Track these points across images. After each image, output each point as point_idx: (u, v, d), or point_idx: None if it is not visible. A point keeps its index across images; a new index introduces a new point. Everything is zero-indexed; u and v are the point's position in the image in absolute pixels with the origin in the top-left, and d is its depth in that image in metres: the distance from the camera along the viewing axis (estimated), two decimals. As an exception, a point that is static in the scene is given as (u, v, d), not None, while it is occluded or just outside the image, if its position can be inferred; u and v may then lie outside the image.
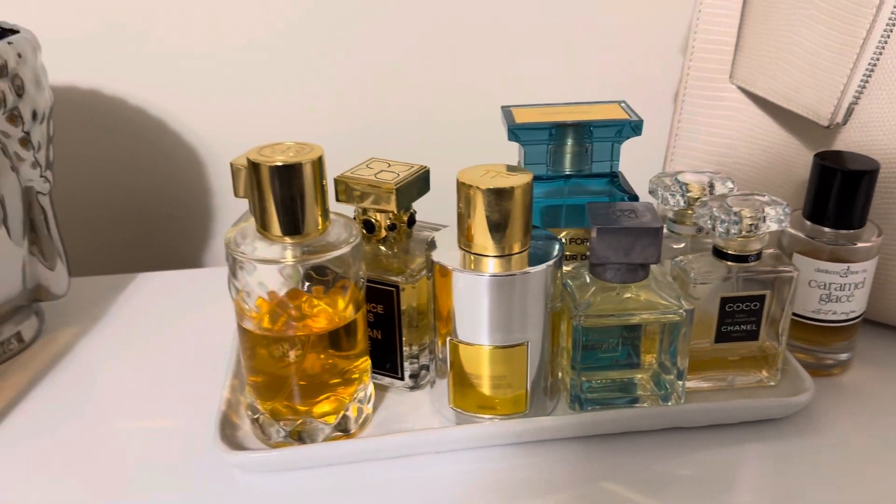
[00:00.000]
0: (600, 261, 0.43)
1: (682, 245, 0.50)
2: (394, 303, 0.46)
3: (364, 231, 0.47)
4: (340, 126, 0.71)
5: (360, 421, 0.45)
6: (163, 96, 0.69)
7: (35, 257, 0.53)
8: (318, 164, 0.40)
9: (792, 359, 0.49)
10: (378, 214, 0.46)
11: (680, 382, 0.46)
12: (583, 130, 0.48)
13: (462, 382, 0.44)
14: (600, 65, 0.71)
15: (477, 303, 0.42)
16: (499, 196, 0.41)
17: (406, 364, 0.47)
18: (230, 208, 0.73)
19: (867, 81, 0.49)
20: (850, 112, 0.50)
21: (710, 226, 0.44)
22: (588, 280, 0.45)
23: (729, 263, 0.45)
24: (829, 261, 0.48)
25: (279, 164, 0.39)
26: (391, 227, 0.47)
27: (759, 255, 0.45)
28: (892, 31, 0.48)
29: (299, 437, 0.43)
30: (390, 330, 0.47)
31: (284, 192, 0.39)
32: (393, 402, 0.48)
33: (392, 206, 0.45)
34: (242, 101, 0.69)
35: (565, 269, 0.47)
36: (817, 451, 0.44)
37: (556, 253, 0.43)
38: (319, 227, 0.41)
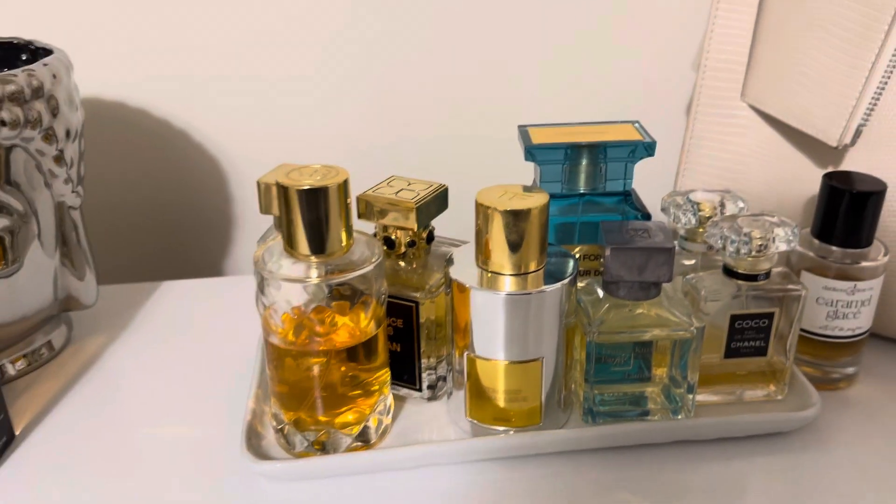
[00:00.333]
0: (614, 279, 0.45)
1: (694, 262, 0.51)
2: (413, 317, 0.47)
3: (384, 247, 0.48)
4: (360, 144, 0.73)
5: (381, 431, 0.47)
6: (188, 112, 0.70)
7: (66, 268, 0.55)
8: (344, 187, 0.42)
9: (799, 374, 0.50)
10: (398, 231, 0.48)
11: (690, 396, 0.47)
12: (597, 151, 0.49)
13: (478, 395, 0.46)
14: (614, 80, 0.72)
15: (493, 320, 0.44)
16: (516, 217, 0.43)
17: (424, 375, 0.49)
18: (251, 219, 0.75)
19: (876, 103, 0.50)
20: (858, 133, 0.51)
21: (720, 245, 0.46)
22: (601, 296, 0.47)
23: (739, 282, 0.46)
24: (836, 278, 0.49)
25: (307, 187, 0.40)
26: (410, 244, 0.48)
27: (768, 274, 0.46)
28: (900, 54, 0.49)
29: (322, 446, 0.45)
30: (409, 343, 0.48)
31: (311, 213, 0.41)
32: (411, 412, 0.49)
33: (412, 224, 0.47)
34: (264, 118, 0.71)
35: (579, 284, 0.49)
36: (824, 465, 0.46)
37: (570, 271, 0.45)
38: (343, 246, 0.43)
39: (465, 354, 0.45)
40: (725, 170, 0.59)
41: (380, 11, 0.68)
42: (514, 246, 0.43)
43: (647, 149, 0.49)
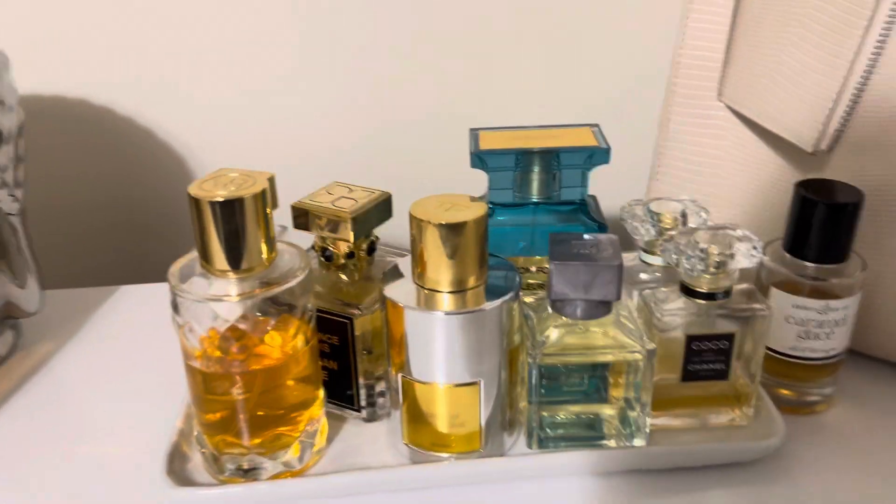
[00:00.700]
0: (558, 297, 0.42)
1: (655, 276, 0.47)
2: (348, 335, 0.44)
3: (322, 259, 0.46)
4: (330, 145, 0.70)
5: (311, 456, 0.44)
6: (147, 111, 0.68)
7: (4, 275, 0.53)
8: (262, 197, 0.39)
9: (766, 398, 0.47)
10: (337, 242, 0.45)
11: (642, 421, 0.44)
12: (550, 157, 0.46)
13: (415, 419, 0.43)
14: (586, 79, 0.69)
15: (429, 340, 0.41)
16: (451, 231, 0.40)
17: (362, 393, 0.46)
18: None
19: (856, 104, 0.46)
20: (836, 138, 0.47)
21: (674, 261, 0.42)
22: (550, 311, 0.44)
23: (697, 301, 0.43)
24: (810, 296, 0.45)
25: (220, 199, 0.38)
26: (349, 256, 0.45)
27: (728, 293, 0.43)
28: (882, 50, 0.45)
29: (246, 472, 0.42)
30: (345, 361, 0.46)
31: (226, 226, 0.38)
32: (349, 434, 0.47)
33: (348, 236, 0.44)
34: (225, 112, 0.69)
35: (529, 300, 0.46)
36: (791, 498, 0.42)
37: (513, 286, 0.42)
38: (265, 260, 0.40)
39: (400, 377, 0.42)
40: (701, 174, 0.56)
41: (346, 10, 0.65)
42: (451, 261, 0.40)
43: (602, 155, 0.45)
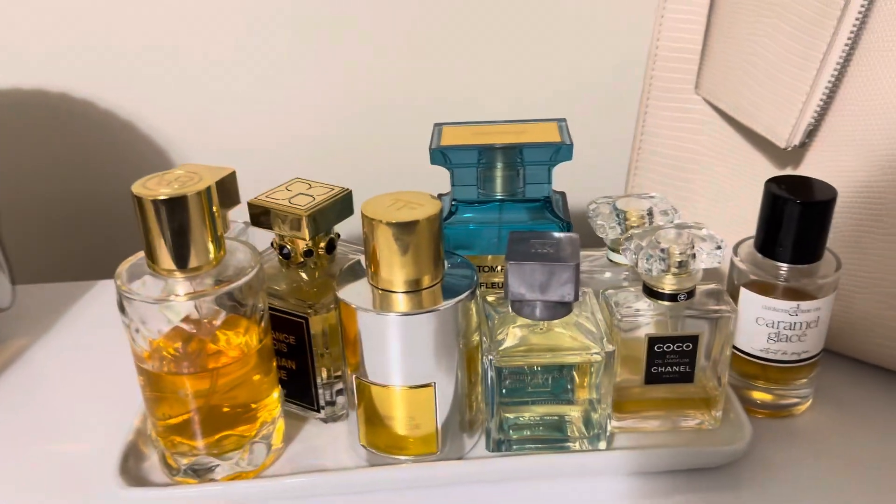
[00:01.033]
0: (515, 297, 0.41)
1: (614, 276, 0.46)
2: (304, 334, 0.44)
3: (280, 258, 0.45)
4: (294, 133, 0.69)
5: (265, 457, 0.44)
6: (122, 100, 0.68)
7: (-27, 271, 0.53)
8: (207, 194, 0.38)
9: (735, 401, 0.45)
10: (295, 240, 0.45)
11: (603, 424, 0.43)
12: (513, 153, 0.45)
13: (371, 421, 0.42)
14: (563, 72, 0.67)
15: (382, 342, 0.40)
16: (402, 230, 0.39)
17: (321, 393, 0.46)
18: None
19: (831, 99, 0.44)
20: (808, 133, 0.45)
21: (634, 261, 0.41)
22: (510, 312, 0.43)
23: (660, 301, 0.42)
24: (781, 297, 0.44)
25: (162, 197, 0.37)
26: (308, 254, 0.45)
27: (691, 294, 0.41)
28: (856, 43, 0.43)
29: (198, 472, 0.42)
30: (303, 360, 0.45)
31: (170, 225, 0.38)
32: (309, 434, 0.46)
33: (304, 234, 0.43)
34: (201, 102, 0.68)
35: (492, 298, 0.45)
36: (755, 504, 0.41)
37: (469, 285, 0.41)
38: (212, 259, 0.39)
39: (354, 378, 0.42)
40: (679, 168, 0.54)
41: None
42: (404, 261, 0.39)
43: (566, 152, 0.44)
